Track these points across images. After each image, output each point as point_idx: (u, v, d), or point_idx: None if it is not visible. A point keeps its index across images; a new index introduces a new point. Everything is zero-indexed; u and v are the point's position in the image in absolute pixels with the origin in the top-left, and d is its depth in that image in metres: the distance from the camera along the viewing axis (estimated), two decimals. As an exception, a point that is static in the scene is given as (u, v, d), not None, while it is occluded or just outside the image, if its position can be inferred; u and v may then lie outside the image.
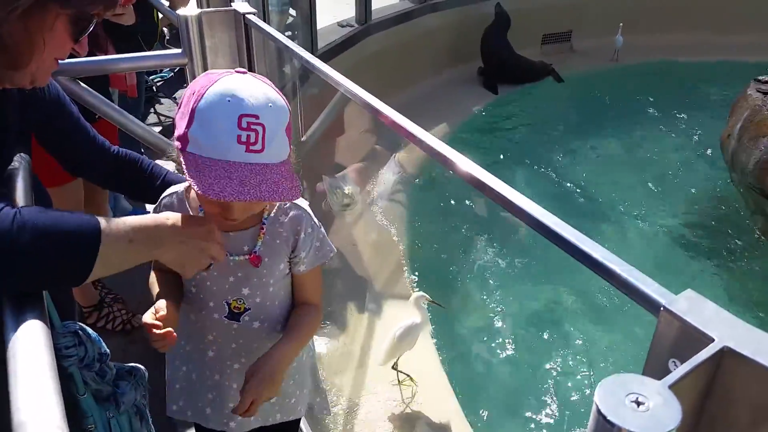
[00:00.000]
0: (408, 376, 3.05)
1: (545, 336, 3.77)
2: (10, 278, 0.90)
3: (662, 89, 7.36)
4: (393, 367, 3.00)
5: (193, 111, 1.03)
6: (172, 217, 1.09)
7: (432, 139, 1.12)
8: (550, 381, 3.47)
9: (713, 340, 0.60)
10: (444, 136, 6.15)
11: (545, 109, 6.99)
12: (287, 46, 1.56)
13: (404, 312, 3.08)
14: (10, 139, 1.26)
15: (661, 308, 0.65)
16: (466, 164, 1.00)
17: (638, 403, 0.54)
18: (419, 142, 1.13)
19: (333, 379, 3.11)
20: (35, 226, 0.90)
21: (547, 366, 3.57)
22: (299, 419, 1.52)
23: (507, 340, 3.77)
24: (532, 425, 3.23)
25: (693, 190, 5.52)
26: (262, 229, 1.24)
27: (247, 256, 1.25)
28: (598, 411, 0.53)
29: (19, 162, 1.25)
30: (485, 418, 3.20)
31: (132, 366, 1.45)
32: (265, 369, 1.19)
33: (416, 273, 4.10)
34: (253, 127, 1.02)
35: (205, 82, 1.06)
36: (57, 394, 0.66)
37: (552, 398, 3.37)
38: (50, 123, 1.41)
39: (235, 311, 1.29)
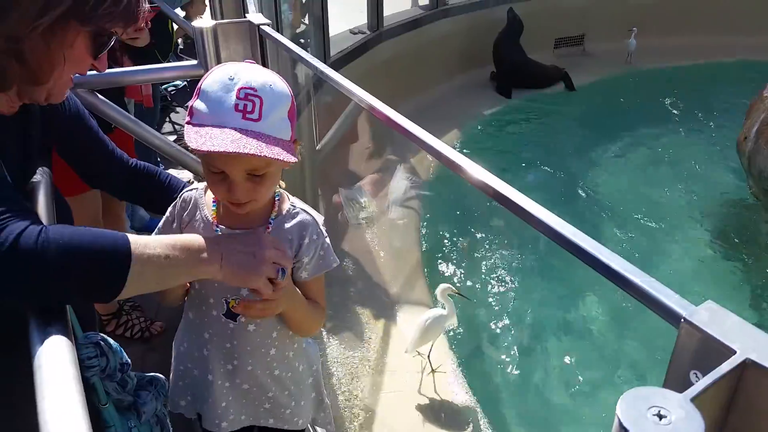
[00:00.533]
0: (432, 367, 3.17)
1: (566, 339, 3.75)
2: (34, 294, 0.90)
3: (676, 92, 7.32)
4: (418, 352, 3.17)
5: (199, 88, 1.11)
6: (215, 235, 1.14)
7: (445, 147, 1.13)
8: (573, 384, 3.46)
9: (735, 352, 0.60)
10: (456, 141, 6.15)
11: (558, 114, 6.98)
12: (301, 57, 1.57)
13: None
14: (34, 152, 1.28)
15: (682, 320, 0.65)
16: (480, 173, 1.01)
17: (660, 416, 0.54)
18: (432, 150, 1.14)
19: (350, 383, 3.14)
20: (60, 243, 0.90)
21: (570, 369, 3.55)
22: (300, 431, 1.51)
23: (526, 343, 3.76)
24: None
25: (709, 194, 5.47)
26: (268, 228, 1.24)
27: None
28: (620, 424, 0.53)
29: (41, 175, 1.27)
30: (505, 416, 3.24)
31: (152, 376, 1.46)
32: (281, 306, 1.23)
33: (433, 278, 4.10)
34: (250, 97, 1.06)
35: (216, 67, 1.13)
36: (83, 408, 0.67)
37: (573, 400, 3.36)
38: (70, 137, 1.43)
39: (233, 310, 1.29)
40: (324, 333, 3.44)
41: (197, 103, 1.10)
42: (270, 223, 1.25)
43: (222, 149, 1.01)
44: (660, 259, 4.64)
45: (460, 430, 2.98)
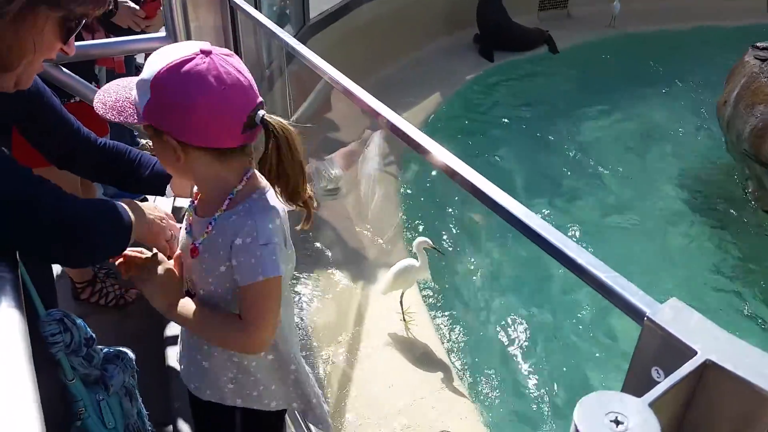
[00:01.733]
0: (404, 313, 3.33)
1: (539, 301, 3.81)
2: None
3: (659, 55, 7.30)
4: (402, 306, 3.35)
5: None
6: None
7: (409, 126, 1.10)
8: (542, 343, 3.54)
9: (696, 353, 0.60)
10: (438, 106, 6.10)
11: (541, 77, 6.93)
12: (272, 31, 1.53)
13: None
14: None
15: (645, 318, 0.65)
16: (446, 157, 0.99)
17: (617, 423, 0.53)
18: (396, 130, 1.11)
19: (332, 340, 3.22)
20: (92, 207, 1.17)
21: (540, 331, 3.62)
22: (273, 412, 1.46)
23: (500, 301, 3.84)
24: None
25: (688, 156, 5.52)
26: (211, 222, 1.21)
27: (191, 245, 1.24)
28: (576, 430, 0.53)
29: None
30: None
31: (118, 350, 1.47)
32: (155, 278, 1.27)
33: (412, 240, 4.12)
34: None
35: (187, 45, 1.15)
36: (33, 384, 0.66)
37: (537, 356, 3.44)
38: (32, 118, 1.38)
39: (190, 291, 1.30)
40: (304, 297, 3.48)
41: None
42: (214, 220, 1.20)
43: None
44: (638, 217, 4.71)
45: (430, 372, 3.09)
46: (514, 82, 6.88)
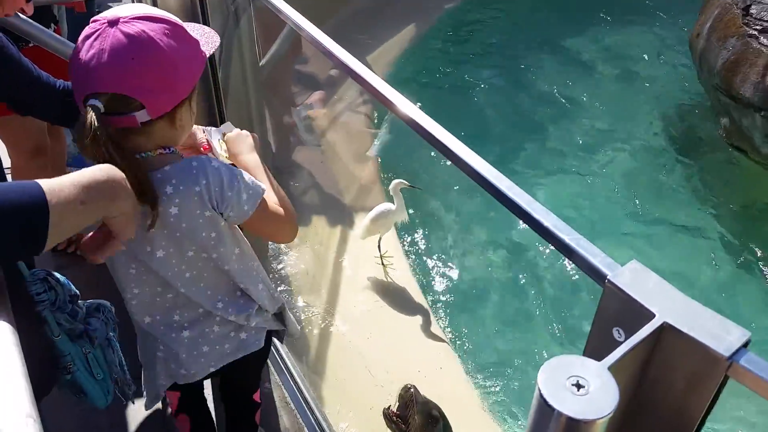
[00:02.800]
0: (382, 257, 3.41)
1: (510, 249, 3.87)
2: None
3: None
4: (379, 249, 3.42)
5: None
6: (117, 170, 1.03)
7: (376, 79, 1.10)
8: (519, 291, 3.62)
9: (654, 316, 0.63)
10: (412, 40, 5.98)
11: (518, 8, 6.80)
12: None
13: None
14: None
15: (606, 280, 0.67)
16: (411, 110, 0.99)
17: (579, 386, 0.56)
18: (363, 82, 1.11)
19: (312, 287, 3.27)
20: None
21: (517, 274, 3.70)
22: (261, 354, 1.54)
23: (477, 244, 3.90)
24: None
25: (660, 91, 5.53)
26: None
27: None
28: (540, 394, 0.56)
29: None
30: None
31: (99, 302, 1.49)
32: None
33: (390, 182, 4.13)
34: None
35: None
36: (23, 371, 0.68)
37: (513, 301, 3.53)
38: None
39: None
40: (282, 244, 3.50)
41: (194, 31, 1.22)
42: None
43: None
44: (610, 150, 4.77)
45: (409, 316, 3.17)
46: (493, 12, 6.74)
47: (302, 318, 3.06)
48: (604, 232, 4.04)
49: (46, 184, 0.90)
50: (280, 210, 1.35)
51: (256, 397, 1.86)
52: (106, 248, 1.11)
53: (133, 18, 1.11)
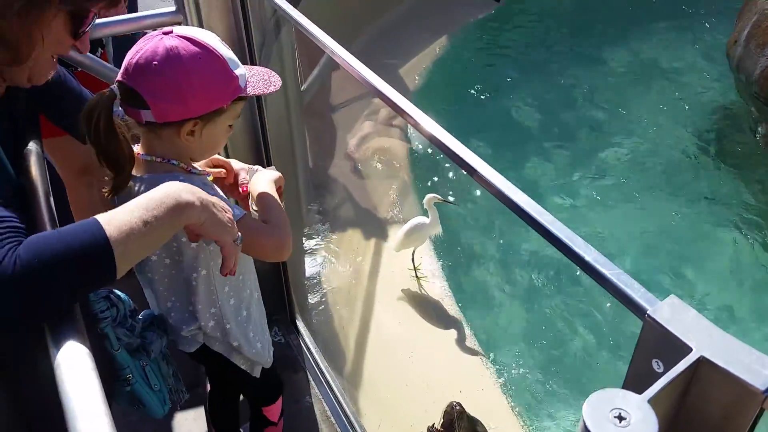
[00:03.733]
0: (416, 270, 3.46)
1: (545, 265, 3.87)
2: (33, 317, 0.91)
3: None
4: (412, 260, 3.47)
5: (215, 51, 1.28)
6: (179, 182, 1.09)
7: (399, 97, 1.15)
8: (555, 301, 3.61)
9: (691, 350, 0.66)
10: (439, 53, 6.01)
11: (550, 17, 6.79)
12: (282, 8, 1.56)
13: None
14: (20, 129, 1.29)
15: (646, 315, 0.71)
16: (458, 147, 1.04)
17: (621, 418, 0.61)
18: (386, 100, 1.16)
19: (346, 298, 3.33)
20: (35, 265, 0.87)
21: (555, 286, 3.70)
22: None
23: (513, 258, 3.90)
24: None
25: (698, 97, 5.47)
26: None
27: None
28: (585, 425, 0.61)
29: (33, 149, 1.29)
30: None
31: (153, 315, 1.57)
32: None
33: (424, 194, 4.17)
34: None
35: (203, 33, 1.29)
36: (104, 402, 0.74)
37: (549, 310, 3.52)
38: (56, 104, 1.44)
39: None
40: (317, 256, 3.57)
41: (239, 69, 1.30)
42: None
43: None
44: (646, 158, 4.74)
45: (441, 328, 3.21)
46: (524, 24, 6.74)
47: (338, 331, 3.12)
48: (638, 247, 4.01)
49: (104, 218, 0.95)
50: (262, 232, 1.39)
51: (269, 413, 1.92)
52: (228, 258, 1.18)
53: (181, 36, 1.23)
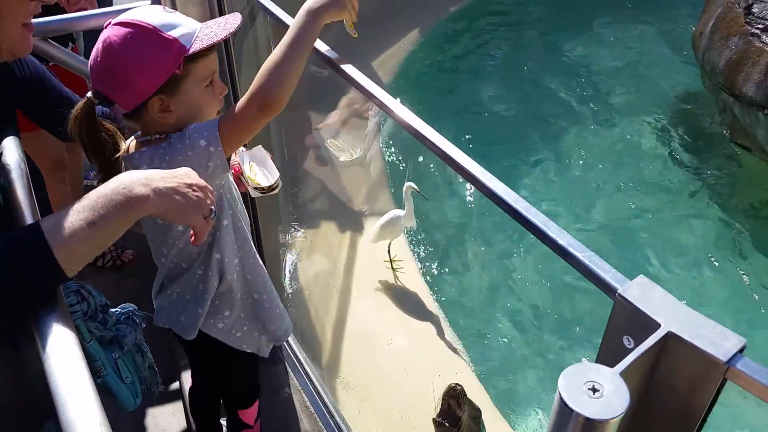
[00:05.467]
0: (392, 262, 3.48)
1: (523, 255, 3.93)
2: None
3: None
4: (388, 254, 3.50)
5: (155, 28, 1.27)
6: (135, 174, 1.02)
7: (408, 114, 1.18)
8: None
9: (660, 326, 0.70)
10: (414, 44, 6.04)
11: (521, 10, 6.86)
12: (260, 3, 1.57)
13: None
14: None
15: (617, 294, 0.75)
16: (439, 140, 1.06)
17: (594, 390, 0.64)
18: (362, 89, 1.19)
19: (325, 291, 3.34)
20: None
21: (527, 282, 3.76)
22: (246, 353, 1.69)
23: (486, 250, 3.96)
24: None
25: (664, 88, 5.59)
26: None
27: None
28: (560, 397, 0.64)
29: (11, 144, 1.29)
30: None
31: (128, 310, 1.57)
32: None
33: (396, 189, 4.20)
34: None
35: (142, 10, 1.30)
36: (96, 400, 0.75)
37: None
38: (34, 99, 1.43)
39: None
40: (293, 248, 3.58)
41: (178, 29, 1.27)
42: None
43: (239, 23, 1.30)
44: (613, 148, 4.83)
45: (418, 316, 3.25)
46: (498, 14, 6.79)
47: (316, 322, 3.14)
48: (607, 231, 4.11)
49: (47, 222, 0.93)
50: (240, 110, 1.29)
51: (245, 416, 1.94)
52: (200, 234, 1.10)
53: (115, 23, 1.27)
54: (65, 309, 0.89)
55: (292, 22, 1.28)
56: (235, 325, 1.62)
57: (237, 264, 1.53)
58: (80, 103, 1.27)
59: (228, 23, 1.33)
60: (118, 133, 1.34)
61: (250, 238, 1.59)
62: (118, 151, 1.33)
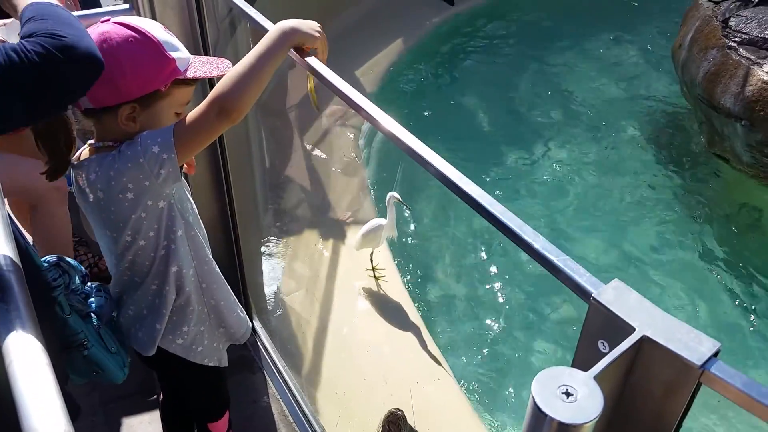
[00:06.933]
0: (374, 270, 3.46)
1: (504, 266, 3.94)
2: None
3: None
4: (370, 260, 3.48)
5: (156, 40, 1.30)
6: None
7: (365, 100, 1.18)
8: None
9: (634, 330, 0.70)
10: (398, 57, 6.05)
11: (504, 20, 6.91)
12: (237, 5, 1.56)
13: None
14: None
15: (591, 297, 0.74)
16: (410, 140, 1.06)
17: (568, 394, 0.63)
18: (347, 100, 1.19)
19: (305, 298, 3.33)
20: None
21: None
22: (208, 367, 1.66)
23: (470, 258, 3.96)
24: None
25: (644, 101, 5.64)
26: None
27: None
28: (534, 401, 0.63)
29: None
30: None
31: (98, 283, 1.56)
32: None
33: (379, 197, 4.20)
34: None
35: (144, 21, 1.33)
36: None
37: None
38: None
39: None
40: (275, 255, 3.56)
41: (177, 52, 1.31)
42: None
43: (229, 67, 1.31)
44: (592, 158, 4.88)
45: (398, 324, 3.22)
46: (480, 27, 6.82)
47: (296, 330, 3.12)
48: (586, 240, 4.13)
49: None
50: (197, 114, 1.27)
51: (214, 429, 1.90)
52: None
53: (117, 22, 1.27)
54: (30, 308, 0.87)
55: (264, 37, 1.30)
56: (195, 340, 1.57)
57: (193, 274, 1.49)
58: None
59: (221, 65, 1.38)
60: (73, 126, 1.32)
61: (206, 245, 1.56)
62: (72, 143, 1.31)
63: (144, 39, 1.26)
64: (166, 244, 1.42)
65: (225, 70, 1.35)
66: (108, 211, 1.34)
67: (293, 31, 1.28)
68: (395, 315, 3.26)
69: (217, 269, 1.60)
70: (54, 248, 2.27)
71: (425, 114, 5.38)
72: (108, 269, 3.00)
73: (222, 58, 1.42)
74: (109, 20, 1.28)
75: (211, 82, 2.01)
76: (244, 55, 2.26)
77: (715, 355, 0.67)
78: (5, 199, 2.45)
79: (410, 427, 2.26)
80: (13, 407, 0.76)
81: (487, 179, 4.57)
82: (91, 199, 1.34)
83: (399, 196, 3.32)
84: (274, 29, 1.29)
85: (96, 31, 1.24)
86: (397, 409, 2.25)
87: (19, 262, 0.97)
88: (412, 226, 4.07)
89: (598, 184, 4.63)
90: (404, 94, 5.61)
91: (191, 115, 1.26)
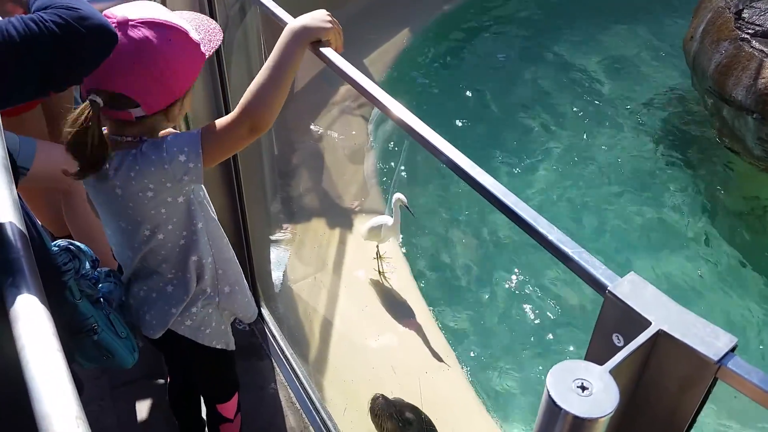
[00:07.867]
0: (379, 264, 3.44)
1: (516, 260, 3.92)
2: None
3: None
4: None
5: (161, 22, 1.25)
6: None
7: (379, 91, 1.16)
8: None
9: (650, 324, 0.69)
10: (407, 42, 6.01)
11: (518, 10, 6.85)
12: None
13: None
14: None
15: (607, 290, 0.74)
16: (433, 137, 1.05)
17: (583, 388, 0.63)
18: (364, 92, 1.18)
19: (314, 287, 3.33)
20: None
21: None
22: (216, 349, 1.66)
23: (479, 254, 3.95)
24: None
25: (656, 91, 5.60)
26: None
27: None
28: (548, 395, 0.63)
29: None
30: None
31: (108, 269, 1.56)
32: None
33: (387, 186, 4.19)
34: None
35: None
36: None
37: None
38: None
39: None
40: (280, 247, 3.56)
41: (192, 33, 1.29)
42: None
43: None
44: (603, 150, 4.84)
45: (406, 313, 3.23)
46: (494, 13, 6.78)
47: (304, 318, 3.12)
48: (599, 233, 4.12)
49: None
50: (229, 126, 1.29)
51: (224, 410, 1.91)
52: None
53: (141, 22, 1.21)
54: (41, 293, 0.87)
55: (277, 43, 1.28)
56: (203, 321, 1.58)
57: (211, 262, 1.51)
58: (83, 110, 1.19)
59: (215, 34, 1.37)
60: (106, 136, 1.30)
61: (222, 231, 1.57)
62: (103, 150, 1.26)
63: (177, 34, 1.26)
64: (186, 235, 1.43)
65: (218, 39, 1.36)
66: (125, 206, 1.34)
67: (304, 30, 1.27)
68: (403, 304, 3.26)
69: (234, 256, 1.62)
70: (92, 232, 2.25)
71: (436, 101, 5.35)
72: (114, 256, 3.02)
73: (202, 18, 1.38)
74: (127, 22, 1.21)
75: (222, 78, 2.01)
76: (254, 42, 2.26)
77: (732, 350, 0.66)
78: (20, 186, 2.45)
79: (395, 403, 2.26)
80: (26, 391, 0.76)
81: (497, 164, 4.57)
82: (107, 193, 1.34)
83: (405, 200, 3.22)
84: (285, 33, 1.28)
85: (130, 40, 1.19)
86: (379, 395, 2.26)
87: (29, 247, 0.97)
88: (421, 213, 4.05)
89: (606, 175, 4.61)
90: (414, 81, 5.59)
91: (221, 129, 1.27)
